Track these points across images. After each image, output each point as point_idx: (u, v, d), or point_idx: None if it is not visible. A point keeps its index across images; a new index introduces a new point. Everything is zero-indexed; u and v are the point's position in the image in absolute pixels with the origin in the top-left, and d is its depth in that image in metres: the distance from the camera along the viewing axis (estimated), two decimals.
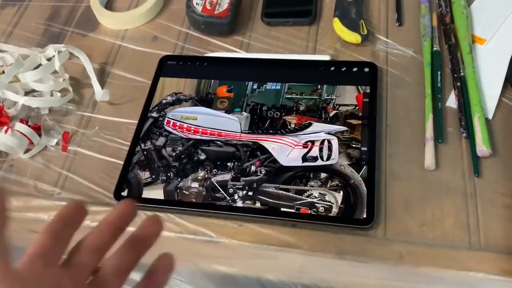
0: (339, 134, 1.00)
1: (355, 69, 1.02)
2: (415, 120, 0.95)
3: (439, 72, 0.98)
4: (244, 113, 1.06)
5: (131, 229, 0.55)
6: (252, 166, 0.96)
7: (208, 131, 1.03)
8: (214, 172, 0.97)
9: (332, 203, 0.88)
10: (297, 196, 0.89)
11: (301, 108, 1.06)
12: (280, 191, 0.90)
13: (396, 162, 0.91)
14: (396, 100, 1.00)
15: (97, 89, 1.06)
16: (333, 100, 1.04)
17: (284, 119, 1.05)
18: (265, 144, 0.99)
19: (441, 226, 0.80)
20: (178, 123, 1.05)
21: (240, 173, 0.95)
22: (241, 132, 1.00)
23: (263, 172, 0.95)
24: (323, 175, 0.94)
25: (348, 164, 0.95)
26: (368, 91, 1.00)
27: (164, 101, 1.08)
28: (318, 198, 0.90)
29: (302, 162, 0.96)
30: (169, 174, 0.97)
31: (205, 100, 1.08)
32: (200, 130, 1.05)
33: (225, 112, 1.06)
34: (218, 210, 0.91)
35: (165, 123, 1.04)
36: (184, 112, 1.06)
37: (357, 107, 1.02)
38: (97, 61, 1.14)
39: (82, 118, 1.08)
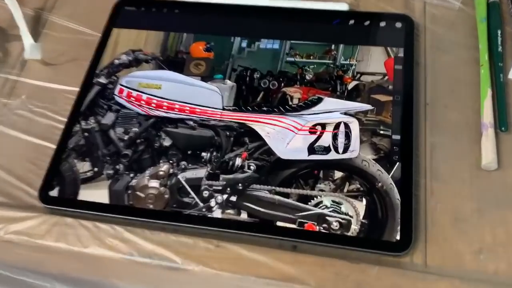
0: (360, 116, 0.79)
1: (382, 24, 0.83)
2: (467, 97, 0.78)
3: (498, 31, 0.79)
4: (228, 81, 0.84)
5: None
6: (237, 159, 0.76)
7: (176, 106, 0.81)
8: (183, 166, 0.76)
9: (351, 217, 0.69)
10: (301, 204, 0.70)
11: (307, 77, 0.84)
12: (276, 197, 0.71)
13: (441, 158, 0.73)
14: (439, 69, 0.81)
15: (27, 43, 0.87)
16: (353, 67, 0.83)
17: (284, 92, 0.83)
18: (257, 127, 0.78)
19: (507, 254, 0.63)
20: (134, 93, 0.83)
21: (220, 169, 0.75)
22: (223, 109, 0.80)
23: (252, 168, 0.75)
24: (337, 174, 0.74)
25: (373, 160, 0.74)
26: (401, 55, 0.80)
27: (116, 61, 0.86)
28: (331, 209, 0.70)
29: (309, 155, 0.76)
30: (117, 167, 0.76)
31: (174, 61, 0.87)
32: (165, 104, 0.82)
33: (202, 80, 0.85)
34: (186, 222, 0.70)
35: (116, 93, 0.83)
36: (144, 77, 0.85)
37: (386, 77, 0.80)
38: (29, 5, 0.94)
39: (5, 83, 0.87)
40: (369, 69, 0.81)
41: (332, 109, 0.79)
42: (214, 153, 0.77)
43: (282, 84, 0.82)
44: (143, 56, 0.87)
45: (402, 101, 0.77)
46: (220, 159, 0.76)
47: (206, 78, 0.84)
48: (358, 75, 0.81)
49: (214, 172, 0.74)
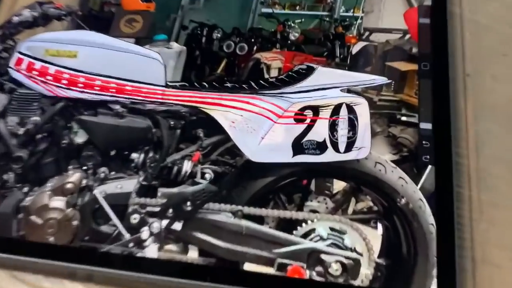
0: (372, 93, 0.60)
1: None
2: None
3: None
4: (174, 44, 0.64)
5: None
6: (186, 163, 0.57)
7: (97, 83, 0.61)
8: (102, 175, 0.58)
9: (360, 254, 0.53)
10: (282, 235, 0.54)
11: (292, 37, 0.67)
12: (244, 223, 0.54)
13: (492, 154, 0.56)
14: (483, 23, 0.63)
15: None
16: (358, 21, 0.67)
17: (257, 60, 0.63)
18: (216, 113, 0.58)
19: None
20: (37, 65, 0.63)
21: (159, 178, 0.58)
22: (166, 86, 0.60)
23: (208, 176, 0.57)
24: (338, 186, 0.57)
25: (393, 162, 0.55)
26: (428, 2, 0.63)
27: (16, 18, 0.67)
28: (328, 242, 0.53)
29: (294, 155, 0.56)
30: (5, 177, 0.59)
31: (98, 17, 0.70)
32: (82, 79, 0.62)
33: (136, 43, 0.65)
34: (104, 264, 0.52)
35: (11, 65, 0.63)
36: (54, 41, 0.64)
37: (408, 36, 0.63)
38: None
39: None
40: (382, 23, 0.66)
41: (329, 84, 0.60)
42: (151, 154, 0.59)
43: (255, 48, 0.66)
44: (54, 10, 0.70)
45: (432, 71, 0.60)
46: (160, 164, 0.59)
47: (143, 40, 0.67)
48: (367, 33, 0.66)
49: (149, 184, 0.57)
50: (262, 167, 0.57)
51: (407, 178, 0.54)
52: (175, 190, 0.56)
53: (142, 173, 0.58)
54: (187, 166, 0.57)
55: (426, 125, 0.57)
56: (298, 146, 0.57)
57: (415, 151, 0.57)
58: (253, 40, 0.63)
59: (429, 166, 0.54)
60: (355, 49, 0.64)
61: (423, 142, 0.56)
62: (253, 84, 0.61)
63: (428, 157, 0.55)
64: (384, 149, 0.57)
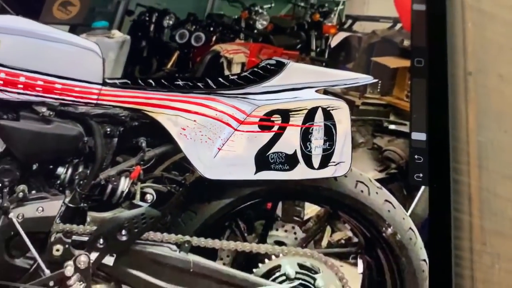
0: (353, 95, 0.55)
1: None
2: None
3: None
4: (116, 33, 0.56)
5: None
6: (123, 180, 0.48)
7: (21, 80, 0.52)
8: (21, 194, 0.49)
9: None
10: (239, 274, 0.46)
11: (259, 25, 0.58)
12: (192, 258, 0.46)
13: (499, 171, 0.51)
14: (489, 11, 0.58)
15: None
16: (339, 7, 0.59)
17: (217, 52, 0.56)
18: (163, 118, 0.49)
19: None
20: None
21: (89, 199, 0.49)
22: (104, 84, 0.51)
23: (149, 197, 0.49)
24: (310, 210, 0.51)
25: (378, 181, 0.49)
26: None
27: None
28: (296, 282, 0.46)
29: (258, 171, 0.48)
30: None
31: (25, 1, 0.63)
32: (2, 75, 0.52)
33: (71, 31, 0.57)
34: None
35: None
36: None
37: (399, 26, 0.58)
38: None
39: None
40: (368, 10, 0.59)
41: (302, 83, 0.52)
42: (80, 169, 0.51)
43: (214, 38, 0.58)
44: None
45: (427, 69, 0.54)
46: (91, 181, 0.50)
47: (79, 27, 0.59)
48: (349, 21, 0.58)
49: (76, 207, 0.49)
50: (218, 186, 0.50)
51: (395, 201, 0.47)
52: (108, 214, 0.49)
53: (68, 192, 0.50)
54: (124, 185, 0.49)
55: (419, 136, 0.51)
56: (262, 160, 0.50)
57: (406, 168, 0.54)
58: (212, 28, 0.56)
59: (422, 187, 0.48)
60: (334, 41, 0.56)
61: (415, 156, 0.52)
62: (210, 82, 0.53)
63: (421, 175, 0.51)
64: (368, 164, 0.50)
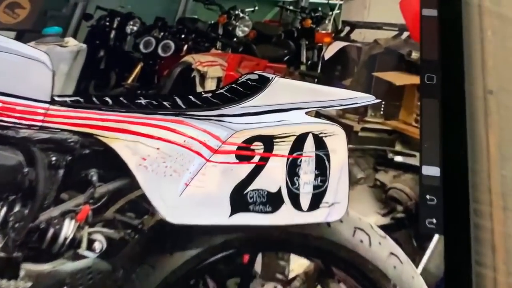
0: (352, 118, 0.46)
1: None
2: None
3: None
4: (70, 40, 0.48)
5: None
6: (66, 223, 0.39)
7: None
8: None
9: None
10: None
11: (239, 33, 0.51)
12: None
13: None
14: (509, 20, 0.49)
15: None
16: (334, 12, 0.51)
17: (188, 64, 0.46)
18: (119, 145, 0.41)
19: None
20: None
21: (23, 248, 0.39)
22: (52, 102, 0.44)
23: (97, 247, 0.40)
24: (297, 264, 0.42)
25: (381, 227, 0.41)
26: None
27: None
28: None
29: (233, 213, 0.39)
30: None
31: None
32: None
33: (17, 38, 0.47)
34: None
35: None
36: None
37: (406, 35, 0.48)
38: None
39: None
40: (369, 15, 0.50)
41: (290, 103, 0.44)
42: (17, 208, 0.41)
43: (185, 48, 0.50)
44: None
45: (440, 87, 0.45)
46: (28, 223, 0.40)
47: (27, 33, 0.51)
48: (346, 28, 0.50)
49: (8, 257, 0.39)
50: (183, 232, 0.43)
51: (402, 255, 0.39)
52: (46, 267, 0.39)
53: (0, 237, 0.40)
54: (68, 229, 0.42)
55: (432, 170, 0.42)
56: (239, 199, 0.41)
57: (415, 211, 0.44)
58: (183, 35, 0.48)
59: (436, 236, 0.42)
60: (329, 52, 0.48)
61: (427, 196, 0.44)
62: (178, 100, 0.46)
63: (434, 221, 0.44)
64: (369, 206, 0.41)
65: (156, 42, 0.49)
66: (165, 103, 0.46)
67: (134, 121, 0.45)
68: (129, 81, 0.48)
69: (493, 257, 0.43)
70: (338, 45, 0.49)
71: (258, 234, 0.40)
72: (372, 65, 0.47)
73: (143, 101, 0.46)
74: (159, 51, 0.49)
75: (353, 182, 0.42)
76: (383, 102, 0.45)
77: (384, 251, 0.38)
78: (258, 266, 0.40)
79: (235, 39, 0.50)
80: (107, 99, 0.46)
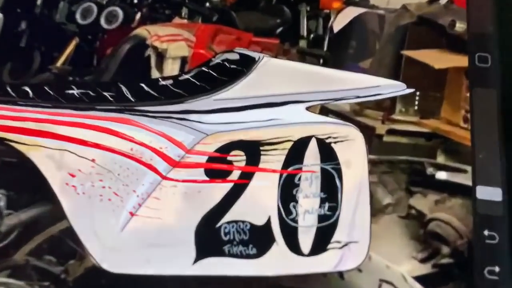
0: (374, 116, 0.33)
1: None
2: None
3: None
4: None
5: None
6: None
7: None
8: None
9: None
10: None
11: None
12: None
13: None
14: None
15: None
16: None
17: (141, 40, 0.35)
18: (37, 154, 0.31)
19: None
20: None
21: None
22: None
23: None
24: None
25: (418, 280, 0.28)
26: None
27: None
28: None
29: (199, 257, 0.28)
30: None
31: None
32: None
33: None
34: None
35: None
36: None
37: None
38: None
39: None
40: None
41: (284, 94, 0.32)
42: None
43: (138, 16, 0.36)
44: None
45: (498, 71, 0.33)
46: None
47: None
48: None
49: None
50: (124, 286, 0.29)
51: None
52: None
53: None
54: None
55: (490, 193, 0.30)
56: (209, 237, 0.29)
57: (468, 255, 0.29)
58: (135, 0, 0.33)
59: None
60: (339, 22, 0.36)
61: (485, 233, 0.29)
62: (125, 90, 0.33)
63: (497, 269, 0.28)
64: (401, 248, 0.28)
65: (98, 10, 0.37)
66: (106, 94, 0.34)
67: (62, 120, 0.33)
68: (59, 63, 0.36)
69: None
70: (352, 12, 0.37)
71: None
72: (401, 41, 0.36)
73: (76, 92, 0.34)
74: (102, 21, 0.36)
75: (377, 210, 0.31)
76: (418, 93, 0.34)
77: None
78: None
79: (207, 4, 0.36)
80: (27, 89, 0.34)
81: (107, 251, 0.30)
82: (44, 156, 0.35)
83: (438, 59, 0.36)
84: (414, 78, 0.36)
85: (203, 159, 0.31)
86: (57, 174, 0.35)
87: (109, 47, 0.38)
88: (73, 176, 0.35)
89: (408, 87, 0.36)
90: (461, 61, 0.37)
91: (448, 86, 0.35)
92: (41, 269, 0.31)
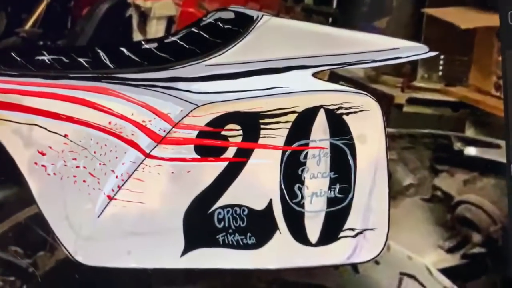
0: (392, 83, 0.28)
1: None
2: None
3: None
4: None
5: None
6: None
7: None
8: None
9: None
10: None
11: None
12: None
13: None
14: None
15: None
16: None
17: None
18: (2, 129, 0.27)
19: None
20: None
21: None
22: None
23: None
24: None
25: (445, 272, 0.23)
26: None
27: None
28: None
29: (188, 248, 0.24)
30: None
31: None
32: None
33: None
34: None
35: None
36: None
37: None
38: None
39: None
40: None
41: (287, 58, 0.28)
42: None
43: None
44: None
45: None
46: None
47: None
48: None
49: None
50: (101, 281, 0.25)
51: None
52: None
53: None
54: None
55: None
56: (200, 224, 0.26)
57: (503, 243, 0.26)
58: None
59: None
60: None
61: None
62: (103, 55, 0.29)
63: None
64: (425, 235, 0.25)
65: None
66: (81, 60, 0.30)
67: (31, 90, 0.30)
68: (28, 26, 0.32)
69: None
70: None
71: (231, 286, 0.26)
72: None
73: (47, 58, 0.31)
74: None
75: (396, 192, 0.27)
76: (442, 57, 0.30)
77: None
78: None
79: None
80: None
81: (82, 241, 0.27)
82: (10, 132, 0.32)
83: (464, 18, 0.33)
84: (438, 39, 0.32)
85: (193, 134, 0.29)
86: (25, 152, 0.32)
87: (85, 7, 0.34)
88: (43, 154, 0.31)
89: (430, 50, 0.33)
90: (491, 20, 0.33)
91: (477, 49, 0.31)
92: (5, 261, 0.28)
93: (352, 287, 0.26)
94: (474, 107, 0.31)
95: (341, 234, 0.28)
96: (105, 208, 0.28)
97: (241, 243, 0.28)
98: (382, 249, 0.28)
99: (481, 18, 0.33)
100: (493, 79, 0.32)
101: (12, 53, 0.33)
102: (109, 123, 0.30)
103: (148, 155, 0.29)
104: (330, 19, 0.33)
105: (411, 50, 0.32)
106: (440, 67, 0.31)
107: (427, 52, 0.32)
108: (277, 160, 0.29)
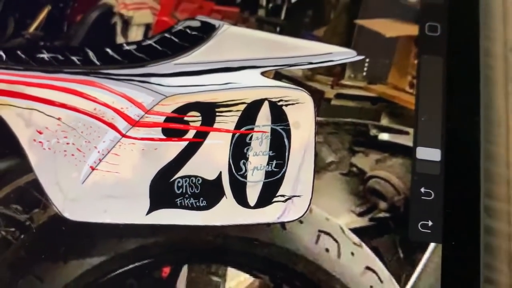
0: (323, 81, 0.33)
1: None
2: None
3: None
4: None
5: None
6: None
7: None
8: None
9: None
10: None
11: None
12: None
13: None
14: None
15: None
16: None
17: (108, 8, 0.36)
18: (7, 112, 0.32)
19: None
20: None
21: None
22: None
23: None
24: (236, 281, 0.28)
25: (355, 231, 0.28)
26: None
27: None
28: None
29: (152, 208, 0.29)
30: None
31: None
32: None
33: None
34: None
35: None
36: None
37: None
38: None
39: None
40: None
41: (241, 60, 0.32)
42: None
43: None
44: None
45: (446, 40, 0.33)
46: None
47: None
48: None
49: None
50: (83, 233, 0.28)
51: (384, 271, 0.26)
52: None
53: None
54: None
55: (429, 153, 0.30)
56: (162, 190, 0.29)
57: (404, 210, 0.29)
58: None
59: (432, 245, 0.28)
60: None
61: (422, 190, 0.29)
62: (91, 54, 0.34)
63: (430, 223, 0.29)
64: (341, 202, 0.28)
65: None
66: (74, 58, 0.35)
67: (32, 81, 0.35)
68: (31, 29, 0.37)
69: (510, 274, 0.33)
70: None
71: (185, 238, 0.30)
72: (355, 10, 0.35)
73: (46, 56, 0.35)
74: None
75: (320, 167, 0.31)
76: (367, 60, 0.33)
77: (357, 264, 0.28)
78: (182, 283, 0.29)
79: None
80: (1, 53, 0.36)
81: (69, 201, 0.32)
82: (14, 115, 0.36)
83: (389, 27, 0.37)
84: (366, 46, 0.36)
85: (161, 119, 0.32)
86: (26, 131, 0.36)
87: (79, 15, 0.38)
88: (40, 133, 0.36)
89: (358, 54, 0.34)
90: (412, 29, 0.37)
91: (397, 54, 0.36)
92: (8, 216, 0.33)
93: (280, 240, 0.31)
94: (390, 101, 0.35)
95: (274, 199, 0.32)
96: (88, 176, 0.33)
97: (195, 205, 0.32)
98: (306, 212, 0.32)
99: (403, 28, 0.37)
100: (408, 79, 0.36)
101: (18, 51, 0.38)
102: (94, 109, 0.35)
103: (124, 135, 0.34)
104: (278, 28, 0.37)
105: (342, 54, 0.36)
106: (365, 69, 0.35)
107: (355, 56, 0.37)
108: (228, 141, 0.33)
